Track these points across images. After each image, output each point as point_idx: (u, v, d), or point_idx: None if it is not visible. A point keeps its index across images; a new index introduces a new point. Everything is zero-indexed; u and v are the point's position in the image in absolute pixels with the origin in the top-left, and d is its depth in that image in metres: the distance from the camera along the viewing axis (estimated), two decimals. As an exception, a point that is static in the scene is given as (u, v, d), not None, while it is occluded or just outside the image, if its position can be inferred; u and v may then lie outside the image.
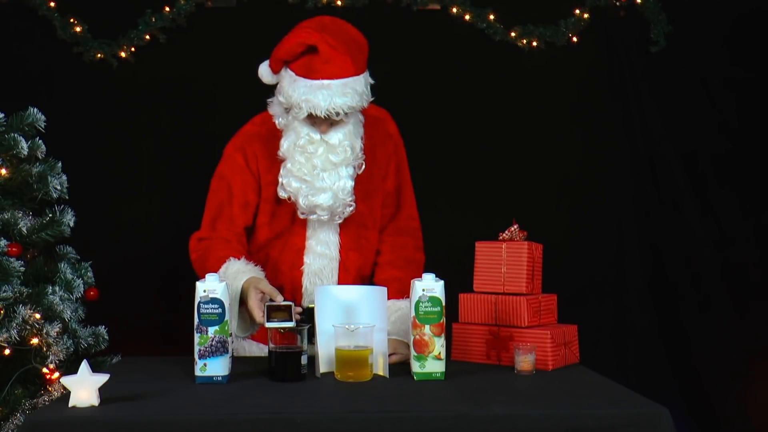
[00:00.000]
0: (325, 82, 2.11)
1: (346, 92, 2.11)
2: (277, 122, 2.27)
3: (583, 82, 4.00)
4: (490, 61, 3.96)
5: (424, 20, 3.96)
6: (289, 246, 2.31)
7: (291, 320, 1.92)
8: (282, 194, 2.23)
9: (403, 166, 2.44)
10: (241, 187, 2.29)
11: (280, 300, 2.00)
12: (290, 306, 1.95)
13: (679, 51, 3.95)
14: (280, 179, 2.23)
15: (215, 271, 2.01)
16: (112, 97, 3.83)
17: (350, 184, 2.22)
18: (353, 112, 2.20)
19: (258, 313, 2.01)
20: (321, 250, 2.31)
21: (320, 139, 2.19)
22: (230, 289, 1.97)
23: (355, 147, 2.23)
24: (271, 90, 2.30)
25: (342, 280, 2.33)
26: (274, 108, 2.28)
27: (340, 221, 2.28)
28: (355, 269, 2.35)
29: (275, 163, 2.26)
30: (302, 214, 2.24)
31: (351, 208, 2.25)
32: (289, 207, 2.27)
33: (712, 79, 3.95)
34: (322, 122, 2.18)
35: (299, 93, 2.12)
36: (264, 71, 2.25)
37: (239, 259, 2.16)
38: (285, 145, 2.22)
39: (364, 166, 2.27)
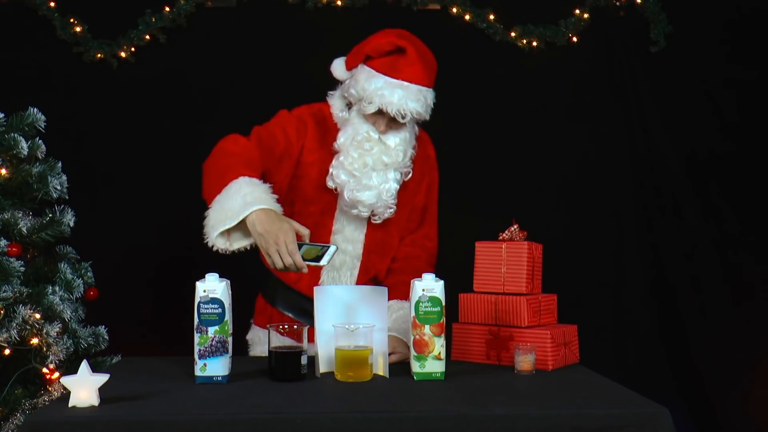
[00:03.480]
0: (405, 83, 2.19)
1: (419, 98, 2.20)
2: (336, 115, 2.31)
3: (583, 82, 4.00)
4: (490, 61, 3.96)
5: (424, 20, 3.95)
6: (314, 236, 2.28)
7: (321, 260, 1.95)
8: (330, 184, 2.27)
9: (434, 188, 2.52)
10: (285, 146, 2.27)
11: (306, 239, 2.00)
12: (324, 247, 1.98)
13: (679, 51, 3.95)
14: (330, 169, 2.26)
15: (230, 175, 2.02)
16: (112, 97, 3.83)
17: (395, 187, 2.27)
18: (412, 121, 2.28)
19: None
20: (345, 248, 2.33)
21: (378, 138, 2.25)
22: (242, 198, 1.98)
23: (407, 153, 2.30)
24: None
25: (360, 281, 2.36)
26: (335, 101, 2.34)
27: (379, 221, 2.31)
28: (375, 272, 2.39)
29: (320, 148, 2.29)
30: (345, 207, 2.28)
31: (391, 210, 2.30)
32: (323, 196, 2.30)
33: (712, 79, 3.96)
34: (383, 122, 2.24)
35: (376, 87, 2.18)
36: (338, 65, 2.32)
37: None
38: (342, 138, 2.26)
39: (410, 174, 2.33)
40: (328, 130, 2.32)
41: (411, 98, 2.19)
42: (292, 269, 1.95)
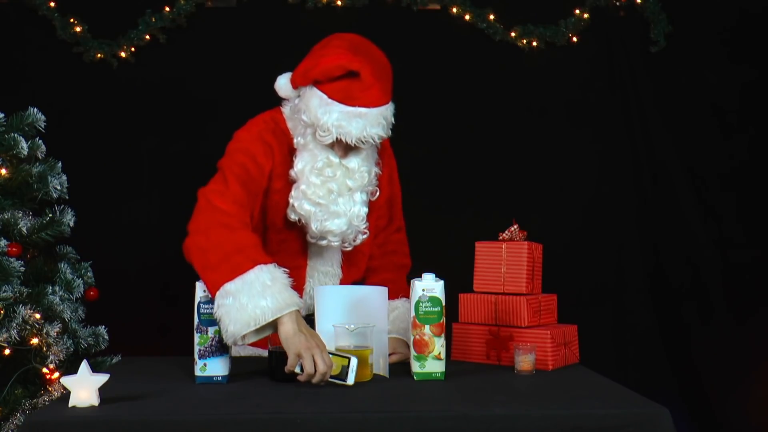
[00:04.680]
0: (363, 110, 2.02)
1: (380, 122, 2.05)
2: (295, 141, 2.13)
3: (583, 82, 4.00)
4: (490, 61, 3.96)
5: (424, 20, 3.96)
6: (288, 261, 2.16)
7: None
8: (292, 217, 2.13)
9: (395, 177, 2.39)
10: (258, 175, 2.10)
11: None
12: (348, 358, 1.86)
13: (679, 51, 3.95)
14: (290, 201, 2.12)
15: (239, 258, 1.87)
16: (112, 97, 3.83)
17: (364, 210, 2.14)
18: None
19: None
20: (324, 269, 2.26)
21: (339, 162, 2.10)
22: (272, 298, 1.85)
23: (372, 172, 2.16)
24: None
25: None
26: (293, 123, 2.16)
27: (350, 248, 2.20)
28: (356, 277, 2.35)
29: (287, 173, 2.14)
30: (312, 238, 2.15)
31: (364, 236, 2.18)
32: (294, 225, 2.16)
33: (711, 79, 3.95)
34: (341, 147, 2.10)
35: (332, 118, 2.02)
36: (283, 85, 2.16)
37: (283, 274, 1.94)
38: (300, 164, 2.11)
39: (378, 193, 2.21)
40: (292, 150, 2.16)
41: (371, 124, 2.03)
42: (313, 379, 1.80)
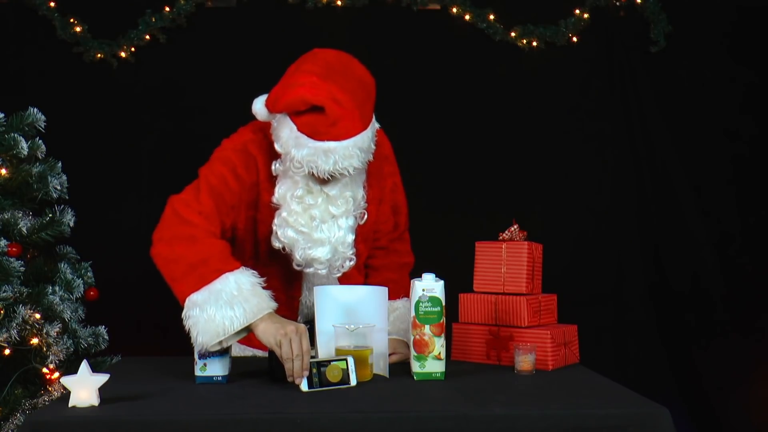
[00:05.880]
0: (332, 144, 1.91)
1: (353, 153, 1.93)
2: (273, 168, 2.04)
3: (583, 82, 4.01)
4: (490, 61, 3.97)
5: (424, 20, 3.96)
6: (284, 273, 2.14)
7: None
8: (276, 244, 2.05)
9: (398, 182, 2.32)
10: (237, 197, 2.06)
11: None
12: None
13: (679, 51, 3.95)
14: (274, 228, 2.05)
15: (204, 269, 1.87)
16: (112, 97, 3.84)
17: (351, 237, 2.06)
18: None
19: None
20: (319, 281, 2.18)
21: (320, 189, 2.02)
22: (241, 307, 1.84)
23: (357, 196, 2.06)
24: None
25: None
26: (276, 146, 2.03)
27: (339, 275, 2.12)
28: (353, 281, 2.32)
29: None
30: (297, 266, 2.07)
31: (351, 263, 2.09)
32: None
33: (712, 79, 3.96)
34: (318, 177, 2.00)
35: (303, 153, 1.93)
36: (259, 109, 2.04)
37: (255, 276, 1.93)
38: (281, 189, 2.03)
39: (366, 216, 2.11)
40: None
41: (342, 157, 1.92)
42: (294, 365, 1.79)
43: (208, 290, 1.86)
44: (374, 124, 2.03)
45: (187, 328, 1.87)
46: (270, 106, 2.00)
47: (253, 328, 1.85)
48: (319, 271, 2.07)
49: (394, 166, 2.30)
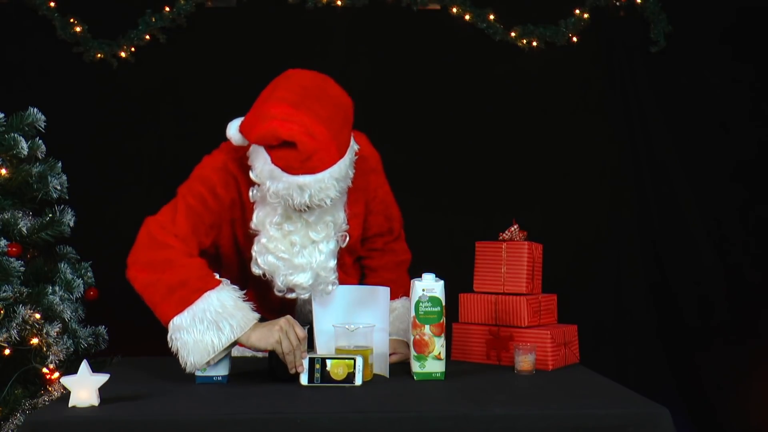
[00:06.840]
0: (307, 179, 1.86)
1: (329, 185, 1.88)
2: (250, 194, 2.01)
3: (583, 82, 4.01)
4: (490, 61, 3.97)
5: (424, 20, 3.96)
6: (269, 299, 2.12)
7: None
8: (256, 271, 2.01)
9: (387, 190, 2.29)
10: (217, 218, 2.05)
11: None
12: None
13: (679, 51, 3.95)
14: (253, 254, 2.02)
15: (184, 291, 1.88)
16: (112, 97, 3.83)
17: (333, 262, 2.02)
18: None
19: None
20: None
21: (298, 215, 1.98)
22: (228, 326, 1.86)
23: (338, 220, 2.02)
24: None
25: None
26: (251, 174, 1.97)
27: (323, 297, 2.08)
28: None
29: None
30: (279, 292, 2.03)
31: (334, 287, 2.04)
32: None
33: (711, 79, 3.96)
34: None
35: (276, 186, 1.88)
36: (233, 135, 1.97)
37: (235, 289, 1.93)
38: (260, 214, 2.00)
39: (348, 238, 2.07)
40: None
41: (318, 189, 1.87)
42: (296, 356, 1.84)
43: (192, 311, 1.87)
44: (353, 147, 1.98)
45: (174, 349, 1.88)
46: (244, 133, 1.94)
47: (243, 340, 1.87)
48: (302, 296, 2.03)
49: (382, 176, 2.25)
